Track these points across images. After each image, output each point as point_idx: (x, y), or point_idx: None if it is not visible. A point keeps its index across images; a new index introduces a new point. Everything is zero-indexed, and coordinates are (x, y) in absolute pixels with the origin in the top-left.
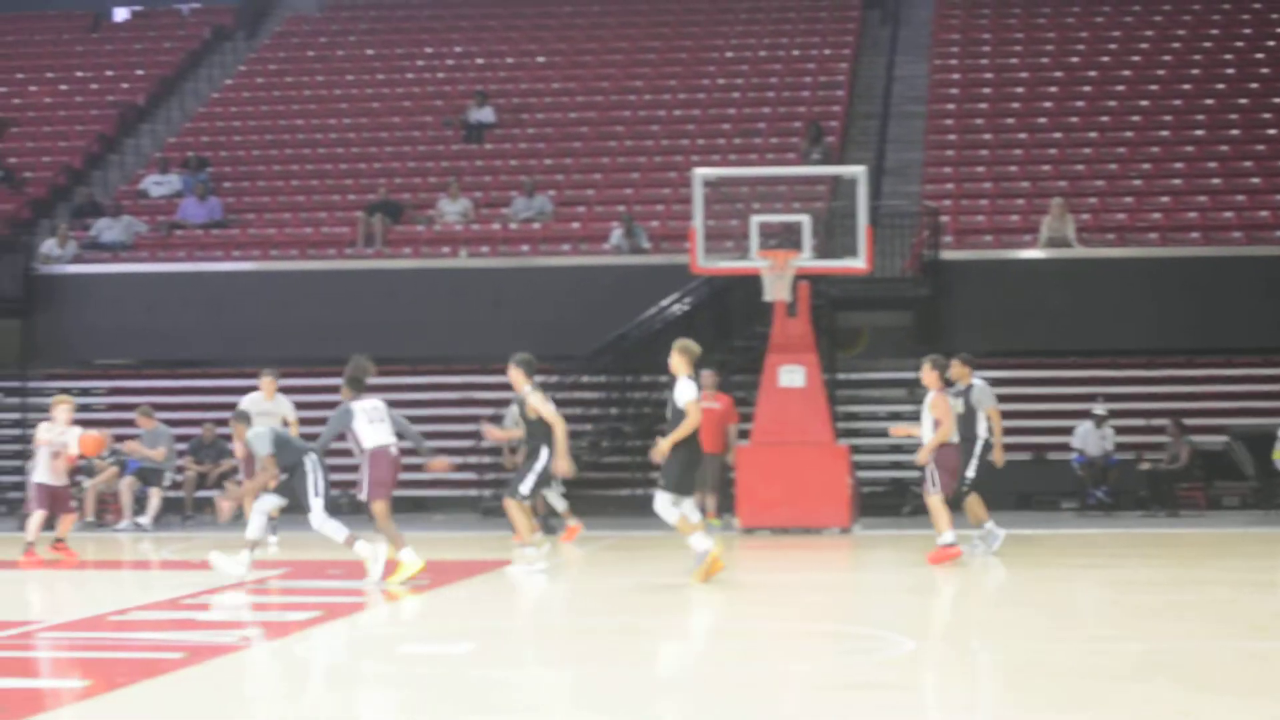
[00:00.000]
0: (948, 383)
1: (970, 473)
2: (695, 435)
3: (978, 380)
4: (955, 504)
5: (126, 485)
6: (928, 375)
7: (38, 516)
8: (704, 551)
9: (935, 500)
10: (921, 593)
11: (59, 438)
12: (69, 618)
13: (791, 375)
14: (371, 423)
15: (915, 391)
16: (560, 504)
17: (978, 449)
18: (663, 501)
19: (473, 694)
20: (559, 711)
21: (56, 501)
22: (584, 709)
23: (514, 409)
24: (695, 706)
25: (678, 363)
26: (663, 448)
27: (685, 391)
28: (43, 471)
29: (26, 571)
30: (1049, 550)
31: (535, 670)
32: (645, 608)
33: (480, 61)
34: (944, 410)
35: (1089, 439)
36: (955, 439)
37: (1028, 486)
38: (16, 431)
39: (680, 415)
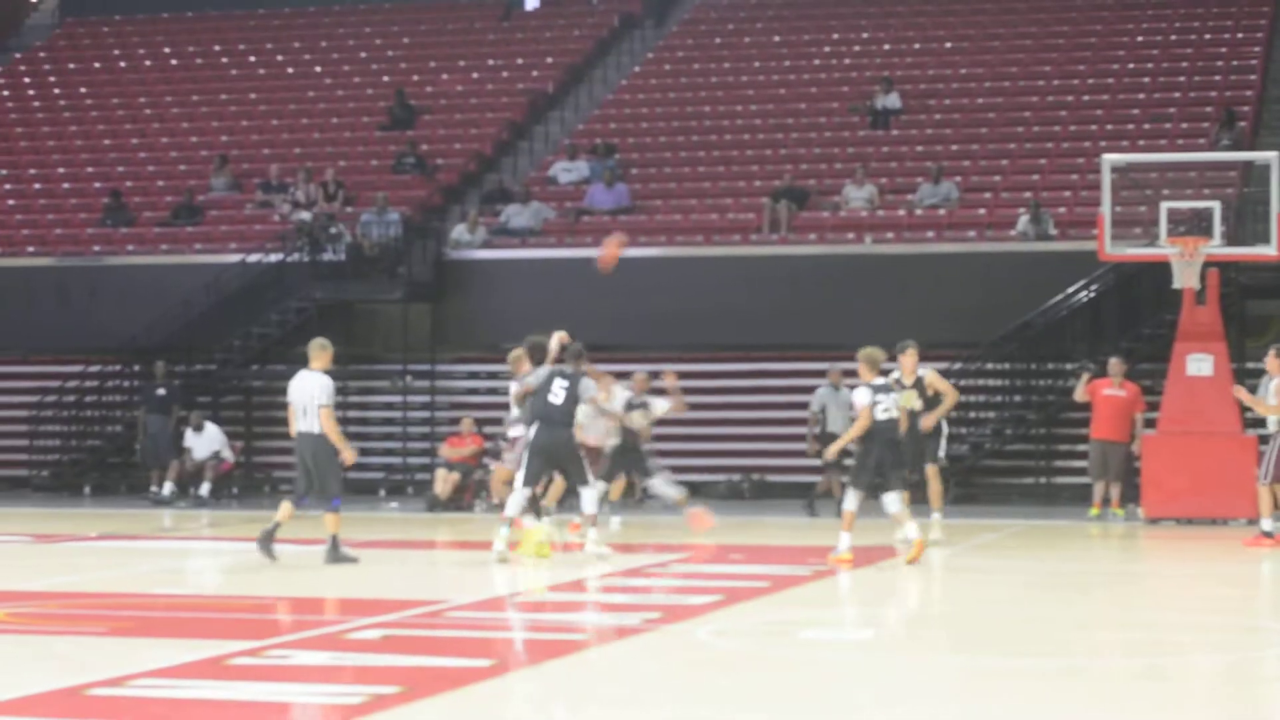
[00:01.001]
0: None
1: None
2: (882, 434)
3: None
4: None
5: None
6: (1272, 363)
7: None
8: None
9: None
10: None
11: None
12: (474, 598)
13: (1200, 364)
14: None
15: None
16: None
17: None
18: (850, 497)
19: (870, 680)
20: (955, 700)
21: None
22: (983, 699)
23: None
24: (1099, 697)
25: (861, 370)
26: (833, 449)
27: (860, 397)
28: None
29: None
30: None
31: (932, 658)
32: (1057, 598)
33: (887, 48)
34: None
35: None
36: None
37: None
38: (426, 414)
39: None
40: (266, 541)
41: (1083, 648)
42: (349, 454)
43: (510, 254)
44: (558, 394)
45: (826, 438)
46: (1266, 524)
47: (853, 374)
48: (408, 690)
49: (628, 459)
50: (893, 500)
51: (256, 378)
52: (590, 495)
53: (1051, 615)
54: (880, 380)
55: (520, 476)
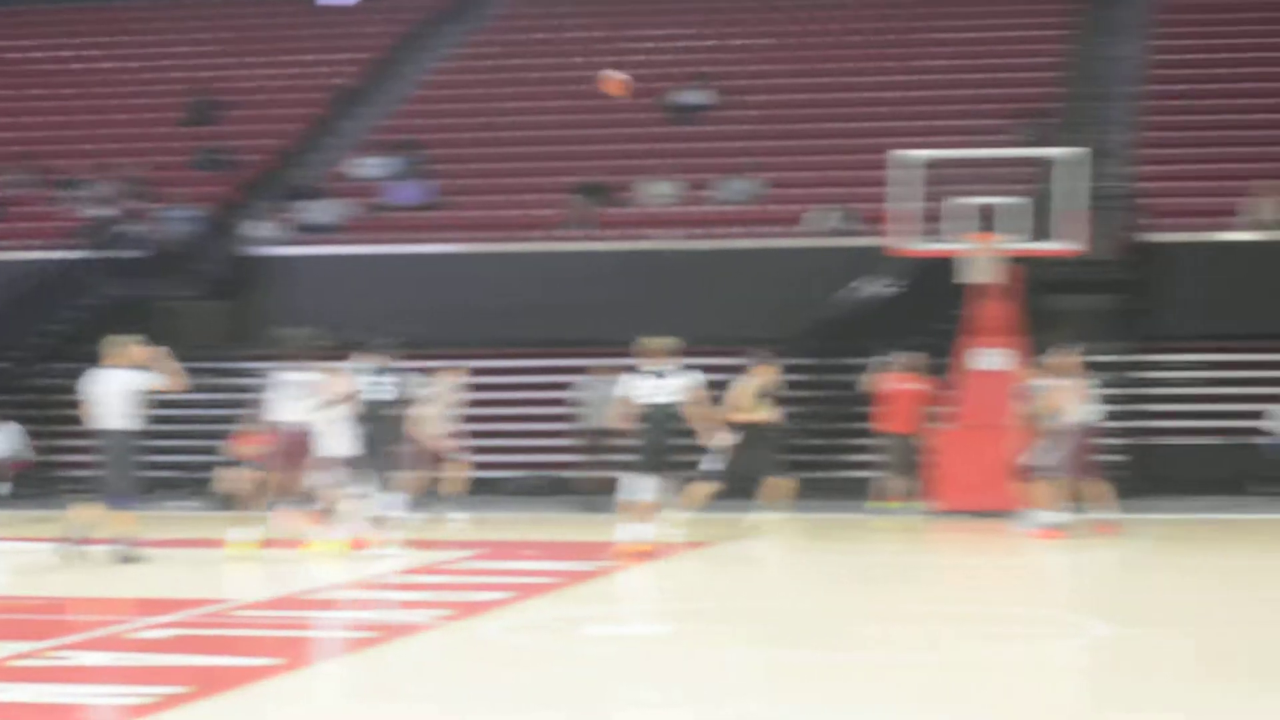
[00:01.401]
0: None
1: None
2: (652, 421)
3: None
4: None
5: None
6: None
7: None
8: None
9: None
10: (1119, 578)
11: None
12: (263, 596)
13: (990, 358)
14: None
15: (1123, 375)
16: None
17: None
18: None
19: (659, 675)
20: (747, 694)
21: None
22: (776, 692)
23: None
24: (874, 688)
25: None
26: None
27: (628, 385)
28: None
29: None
30: (1253, 536)
31: (722, 652)
32: (838, 589)
33: (691, 44)
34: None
35: None
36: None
37: (1234, 470)
38: (223, 411)
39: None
40: (125, 557)
41: (875, 640)
42: None
43: (311, 250)
44: (382, 392)
45: (596, 433)
46: (1049, 517)
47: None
48: (196, 689)
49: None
50: (645, 488)
51: (49, 376)
52: (394, 496)
53: (844, 608)
54: (654, 368)
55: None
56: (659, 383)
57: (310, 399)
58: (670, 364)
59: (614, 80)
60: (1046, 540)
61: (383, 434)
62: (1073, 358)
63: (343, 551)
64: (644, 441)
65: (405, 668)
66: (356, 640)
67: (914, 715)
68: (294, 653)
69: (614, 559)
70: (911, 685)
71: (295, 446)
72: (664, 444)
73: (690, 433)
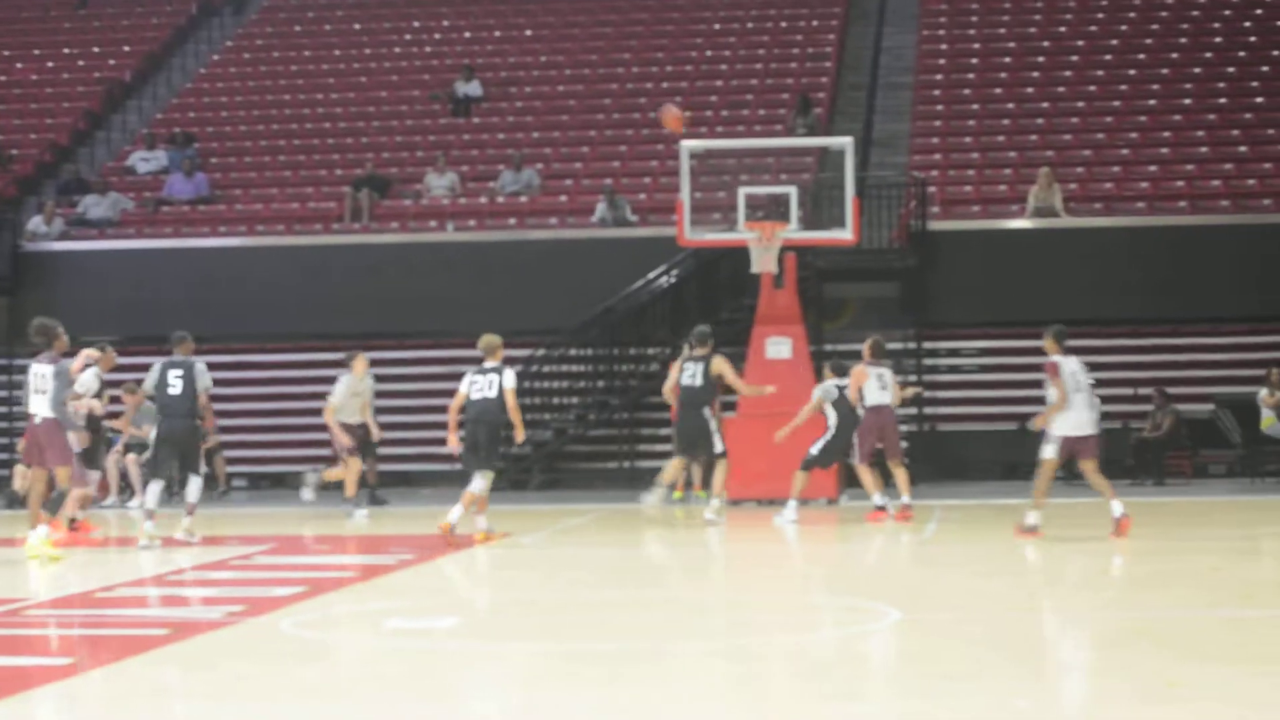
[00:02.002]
0: None
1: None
2: (476, 415)
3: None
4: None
5: (113, 462)
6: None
7: None
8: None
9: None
10: (907, 563)
11: None
12: (55, 595)
13: (778, 347)
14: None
15: (903, 363)
16: None
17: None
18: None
19: (458, 668)
20: (538, 685)
21: None
22: (565, 683)
23: None
24: (676, 681)
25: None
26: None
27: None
28: None
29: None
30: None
31: (516, 644)
32: (634, 581)
33: (468, 35)
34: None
35: None
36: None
37: (1015, 455)
38: (4, 409)
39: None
40: None
41: (666, 631)
42: None
43: (89, 245)
44: (175, 385)
45: (348, 429)
46: (878, 499)
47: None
48: None
49: None
50: (476, 481)
51: None
52: (196, 484)
53: (635, 599)
54: (491, 364)
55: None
56: (488, 379)
57: (47, 392)
58: (496, 360)
59: (673, 115)
60: (873, 523)
61: (172, 429)
62: (872, 344)
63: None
64: (473, 438)
65: (197, 665)
66: (148, 639)
67: (696, 704)
68: (84, 651)
69: (408, 554)
70: (694, 674)
71: (38, 442)
72: (490, 439)
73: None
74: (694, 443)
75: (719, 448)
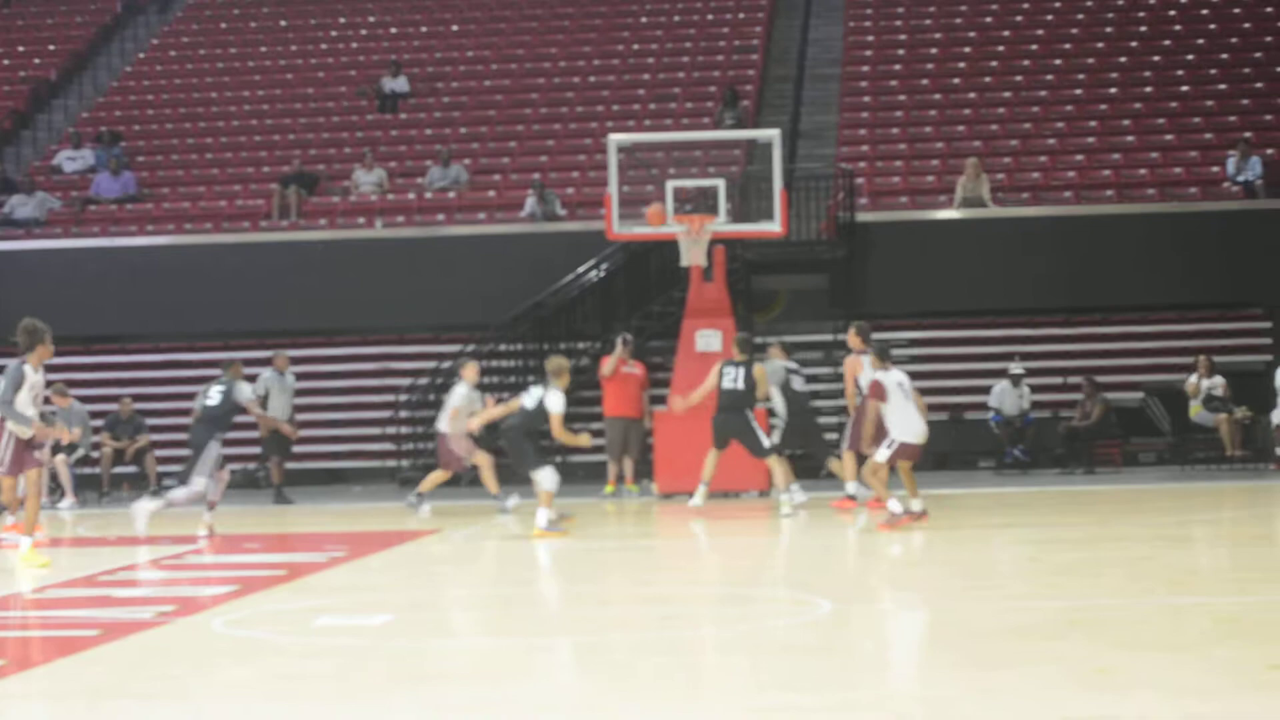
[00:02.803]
0: None
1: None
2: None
3: None
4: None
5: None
6: (853, 339)
7: None
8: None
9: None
10: (838, 554)
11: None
12: None
13: (708, 339)
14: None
15: (832, 354)
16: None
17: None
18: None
19: (390, 665)
20: (473, 680)
21: None
22: (499, 678)
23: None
24: (616, 670)
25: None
26: None
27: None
28: None
29: None
30: (967, 509)
31: (450, 641)
32: (572, 575)
33: (394, 31)
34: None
35: (1006, 398)
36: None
37: (946, 446)
38: None
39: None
40: None
41: (597, 624)
42: None
43: (15, 245)
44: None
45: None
46: (850, 488)
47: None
48: None
49: None
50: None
51: None
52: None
53: (567, 592)
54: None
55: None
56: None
57: None
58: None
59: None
60: (842, 510)
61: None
62: (858, 328)
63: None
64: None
65: (128, 665)
66: (77, 640)
67: (637, 697)
68: (13, 653)
69: (341, 550)
70: (617, 666)
71: None
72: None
73: None
74: (729, 440)
75: (766, 445)
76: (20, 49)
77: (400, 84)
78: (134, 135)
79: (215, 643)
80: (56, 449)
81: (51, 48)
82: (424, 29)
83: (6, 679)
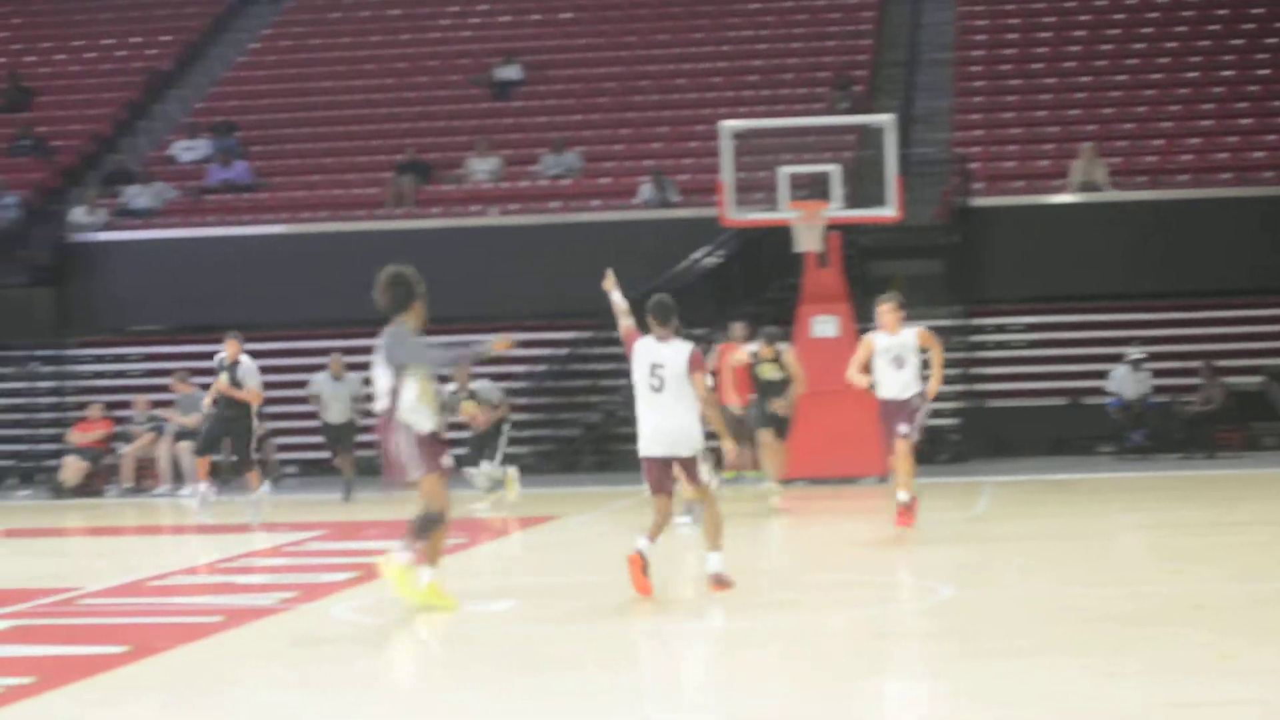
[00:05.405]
0: None
1: None
2: None
3: None
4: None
5: (164, 451)
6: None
7: None
8: None
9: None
10: (959, 541)
11: None
12: (109, 584)
13: (824, 325)
14: None
15: (950, 339)
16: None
17: None
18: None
19: (512, 650)
20: (592, 667)
21: None
22: (620, 665)
23: None
24: (738, 658)
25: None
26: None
27: None
28: None
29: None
30: (1087, 495)
31: (573, 628)
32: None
33: (506, 19)
34: None
35: (1125, 382)
36: None
37: (1064, 431)
38: (53, 399)
39: None
40: None
41: (725, 607)
42: None
43: (133, 235)
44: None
45: (328, 430)
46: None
47: None
48: (40, 680)
49: None
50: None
51: None
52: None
53: (681, 578)
54: None
55: None
56: None
57: None
58: None
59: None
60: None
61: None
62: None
63: None
64: None
65: (252, 652)
66: (203, 625)
67: (769, 683)
68: (139, 640)
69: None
70: (759, 654)
71: None
72: None
73: None
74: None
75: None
76: (135, 40)
77: (512, 72)
78: (248, 125)
79: (336, 629)
80: (179, 436)
81: (165, 38)
82: (535, 16)
83: (129, 666)
